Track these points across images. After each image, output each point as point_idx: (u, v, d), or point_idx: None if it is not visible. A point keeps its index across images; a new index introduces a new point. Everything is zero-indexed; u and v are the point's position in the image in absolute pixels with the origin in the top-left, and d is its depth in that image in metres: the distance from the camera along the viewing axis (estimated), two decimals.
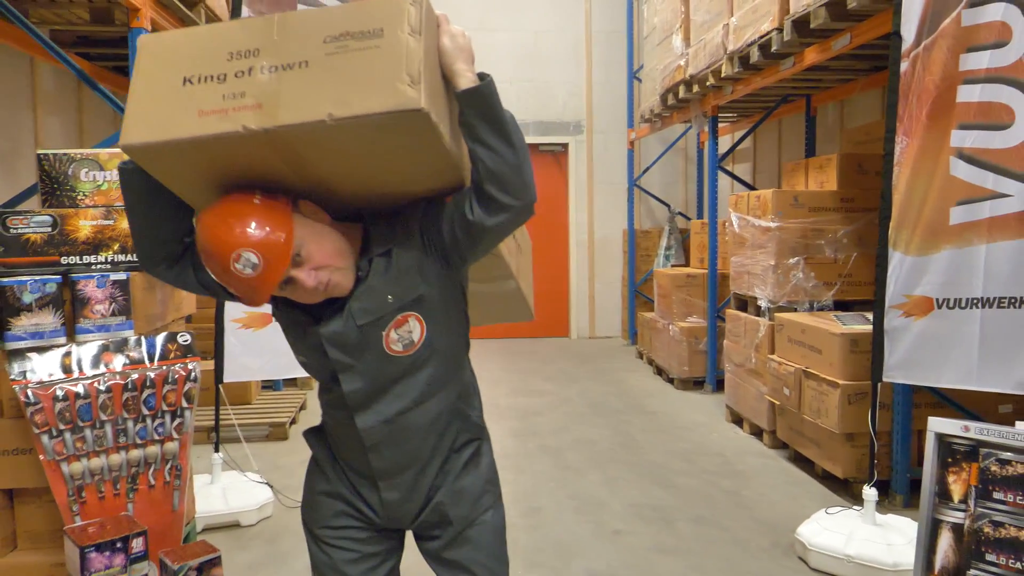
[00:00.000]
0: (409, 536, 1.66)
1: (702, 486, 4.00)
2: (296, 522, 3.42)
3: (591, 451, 4.64)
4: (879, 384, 3.04)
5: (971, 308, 2.76)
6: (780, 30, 4.31)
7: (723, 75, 5.19)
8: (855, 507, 3.25)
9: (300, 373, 4.17)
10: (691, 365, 6.21)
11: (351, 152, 1.29)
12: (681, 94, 6.11)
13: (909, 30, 2.90)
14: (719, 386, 5.90)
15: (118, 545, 2.15)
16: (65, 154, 2.67)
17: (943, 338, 2.83)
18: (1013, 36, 2.61)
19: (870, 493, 3.10)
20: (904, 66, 2.92)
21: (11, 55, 4.12)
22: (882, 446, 3.65)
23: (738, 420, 5.13)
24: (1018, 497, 2.09)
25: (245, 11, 3.57)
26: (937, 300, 2.85)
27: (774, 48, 4.39)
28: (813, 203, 4.52)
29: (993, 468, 2.13)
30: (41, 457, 2.26)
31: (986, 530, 2.12)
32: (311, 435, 1.66)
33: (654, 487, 4.00)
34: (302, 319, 1.47)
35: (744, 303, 5.09)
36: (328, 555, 1.59)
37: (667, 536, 3.38)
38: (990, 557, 2.11)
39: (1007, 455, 2.11)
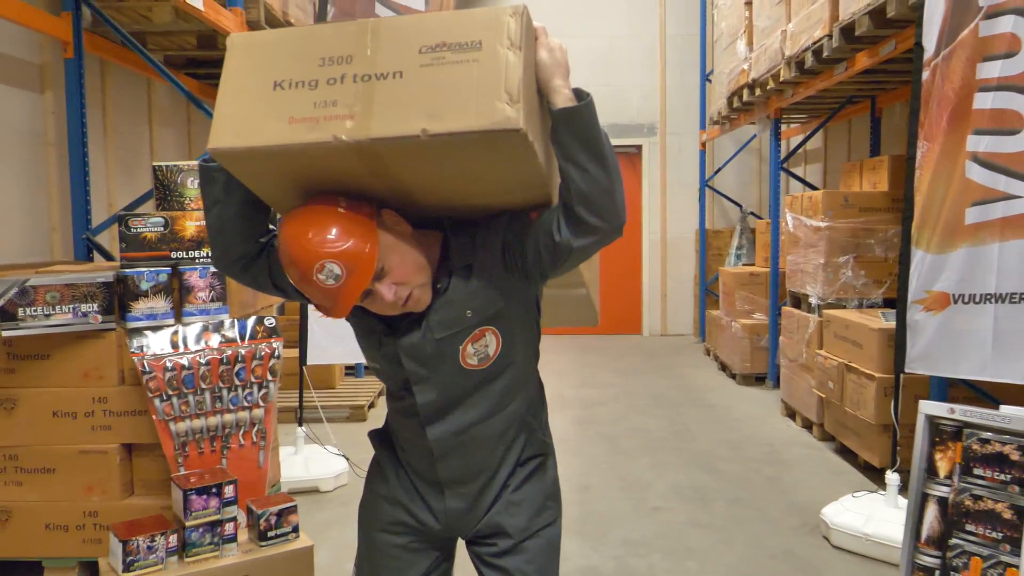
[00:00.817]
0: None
1: (744, 472, 4.22)
2: (360, 482, 3.87)
3: (645, 438, 4.91)
4: (901, 376, 3.22)
5: (985, 303, 2.92)
6: (831, 36, 4.47)
7: (782, 79, 5.35)
8: (881, 492, 3.43)
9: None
10: (752, 361, 6.37)
11: (441, 166, 1.27)
12: (745, 97, 6.28)
13: (930, 41, 3.08)
14: (779, 382, 6.05)
15: (213, 491, 2.60)
16: (175, 165, 3.16)
17: (959, 332, 3.00)
18: (1023, 47, 2.76)
19: (892, 478, 3.28)
20: (925, 75, 3.10)
21: (132, 77, 4.72)
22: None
23: (791, 414, 5.30)
24: (995, 473, 2.28)
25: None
26: (954, 295, 3.02)
27: (826, 54, 4.55)
28: (863, 203, 4.66)
29: (975, 447, 2.33)
30: (153, 417, 2.74)
31: (967, 503, 2.32)
32: (376, 437, 1.66)
33: (698, 471, 4.25)
34: (377, 327, 1.46)
35: (798, 300, 5.25)
36: (377, 560, 1.61)
37: (702, 513, 3.64)
38: (969, 527, 2.31)
39: (987, 435, 2.31)
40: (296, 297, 1.53)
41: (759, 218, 8.63)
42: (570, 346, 8.42)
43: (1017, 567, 2.21)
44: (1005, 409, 2.34)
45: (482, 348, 1.43)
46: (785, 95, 5.72)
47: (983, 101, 2.89)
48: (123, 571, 2.45)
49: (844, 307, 4.66)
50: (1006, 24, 2.80)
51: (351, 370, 6.27)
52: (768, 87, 5.70)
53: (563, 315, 2.11)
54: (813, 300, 4.85)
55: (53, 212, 3.93)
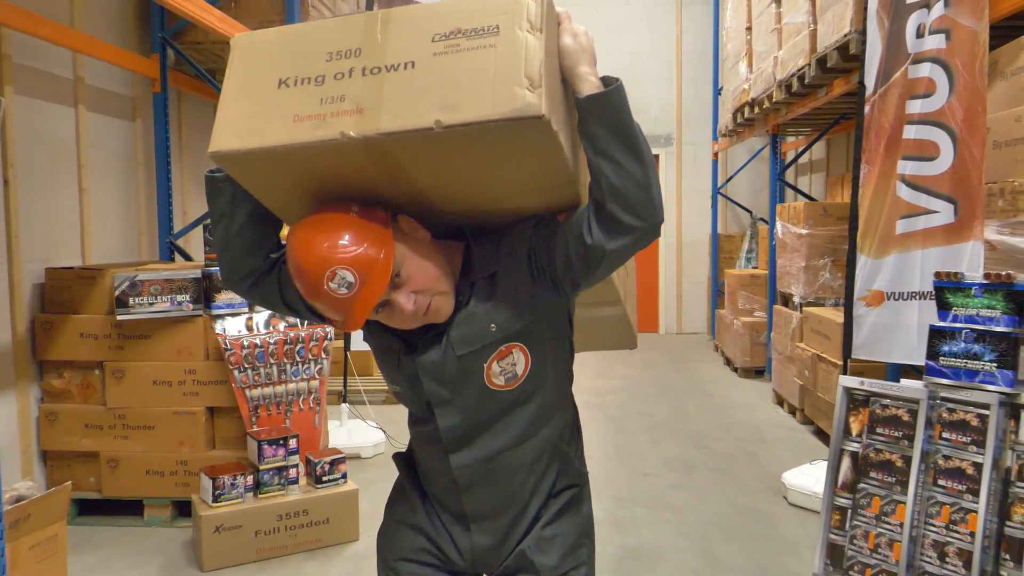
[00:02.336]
0: None
1: (729, 448, 4.84)
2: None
3: (647, 421, 5.54)
4: (848, 361, 3.82)
5: (911, 300, 3.52)
6: (810, 66, 5.06)
7: (775, 100, 5.94)
8: None
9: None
10: (752, 355, 6.95)
11: (458, 163, 1.18)
12: (747, 114, 6.88)
13: (870, 80, 3.68)
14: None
15: (281, 443, 3.31)
16: None
17: (892, 324, 3.59)
18: (937, 88, 3.36)
19: None
20: (867, 109, 3.70)
21: (203, 103, 5.48)
22: None
23: (780, 401, 5.88)
24: (891, 431, 2.89)
25: None
26: (888, 293, 3.61)
27: (807, 80, 5.15)
28: (840, 213, 5.23)
29: (877, 411, 2.94)
30: (232, 385, 3.46)
31: (871, 455, 2.93)
32: (401, 460, 1.55)
33: (689, 447, 4.87)
34: (395, 346, 1.35)
35: (785, 299, 5.83)
36: None
37: (685, 479, 4.26)
38: (872, 474, 2.93)
39: (887, 401, 2.92)
40: (308, 315, 1.41)
41: (767, 224, 9.20)
42: None
43: (905, 503, 2.82)
44: (904, 382, 2.94)
45: (509, 367, 1.31)
46: (781, 113, 6.30)
47: (909, 132, 3.48)
48: (212, 502, 3.16)
49: (822, 305, 5.25)
50: (925, 69, 3.40)
51: None
52: (764, 106, 6.29)
53: (598, 338, 1.95)
54: (796, 299, 5.44)
55: (141, 220, 4.69)
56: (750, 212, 9.05)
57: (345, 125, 1.13)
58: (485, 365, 1.30)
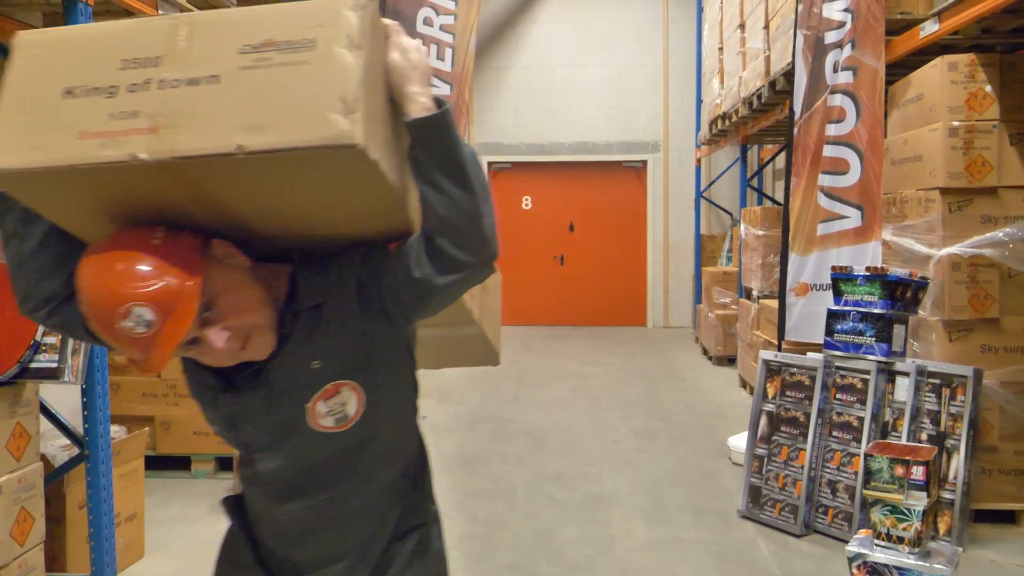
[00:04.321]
0: None
1: (690, 422, 5.55)
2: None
3: (622, 400, 6.25)
4: (782, 343, 4.53)
5: (828, 291, 4.23)
6: (764, 87, 5.77)
7: (741, 115, 6.65)
8: None
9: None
10: (724, 345, 7.66)
11: (269, 189, 1.08)
12: (720, 125, 7.59)
13: (797, 106, 4.39)
14: None
15: None
16: None
17: (815, 311, 4.30)
18: (847, 115, 4.07)
19: None
20: (796, 131, 4.41)
21: None
22: None
23: (744, 384, 6.59)
24: (797, 394, 3.61)
25: None
26: (811, 285, 4.32)
27: (763, 100, 5.85)
28: None
29: (787, 378, 3.66)
30: None
31: (781, 414, 3.65)
32: (231, 505, 1.39)
33: (655, 421, 5.59)
34: (211, 382, 1.23)
35: (748, 293, 6.55)
36: None
37: (647, 444, 4.98)
38: (782, 428, 3.64)
39: (794, 370, 3.64)
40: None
41: None
42: (579, 334, 9.78)
43: (805, 450, 3.53)
44: (808, 354, 3.66)
45: (338, 407, 1.20)
46: (748, 126, 7.01)
47: (827, 151, 4.20)
48: None
49: (776, 297, 5.95)
50: (838, 99, 4.11)
51: None
52: (733, 119, 7.00)
53: (454, 356, 1.88)
54: (755, 292, 6.15)
55: None
56: (730, 214, 9.75)
57: (136, 146, 1.01)
58: (308, 405, 1.19)
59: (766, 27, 5.61)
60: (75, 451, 2.78)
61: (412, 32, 5.55)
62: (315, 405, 1.20)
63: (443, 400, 6.22)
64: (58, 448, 2.81)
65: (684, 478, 4.35)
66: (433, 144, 1.12)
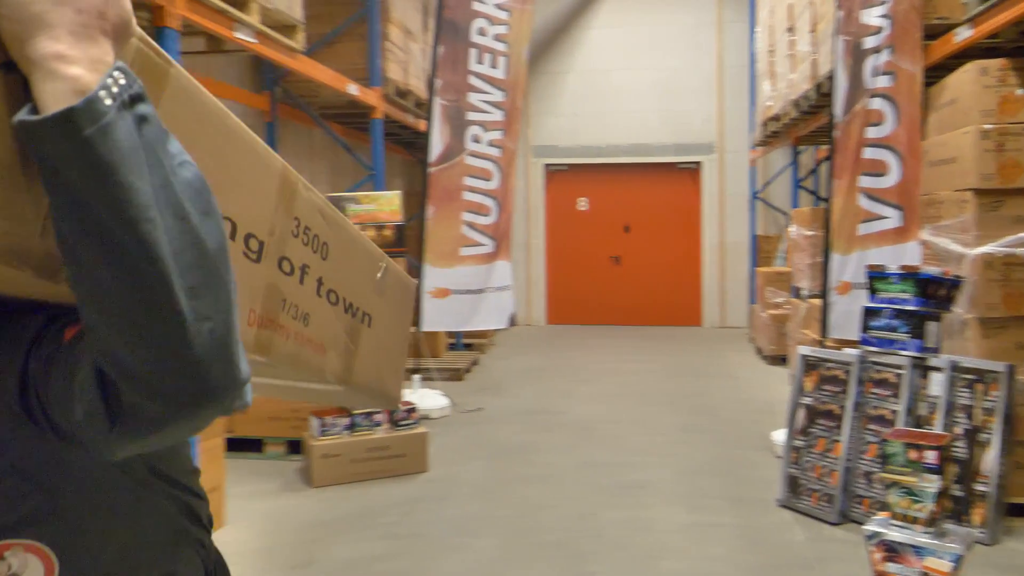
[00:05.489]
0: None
1: (737, 417, 5.69)
2: (458, 416, 5.63)
3: (671, 396, 6.42)
4: (824, 341, 4.66)
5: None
6: (811, 90, 5.88)
7: (791, 117, 6.75)
8: None
9: (474, 326, 6.38)
10: (777, 344, 7.74)
11: None
12: (772, 127, 7.68)
13: (839, 110, 4.51)
14: None
15: None
16: (337, 195, 4.95)
17: (856, 309, 4.42)
18: (886, 118, 4.18)
19: None
20: (837, 133, 4.53)
21: (298, 127, 6.62)
22: None
23: None
24: (833, 388, 3.75)
25: (439, 102, 5.77)
26: (852, 283, 4.44)
27: (811, 102, 5.96)
28: None
29: (823, 372, 3.81)
30: None
31: (818, 407, 3.80)
32: None
33: (702, 416, 5.75)
34: None
35: (798, 292, 6.64)
36: None
37: (692, 437, 5.16)
38: (819, 421, 3.79)
39: (830, 365, 3.79)
40: None
41: None
42: (634, 334, 9.94)
43: (841, 442, 3.68)
44: (845, 350, 3.80)
45: None
46: (798, 128, 7.10)
47: (867, 153, 4.32)
48: (319, 436, 4.23)
49: None
50: (878, 103, 4.23)
51: (453, 344, 8.04)
52: (784, 121, 7.10)
53: (324, 396, 1.40)
54: (804, 291, 6.25)
55: None
56: (785, 215, 9.78)
57: None
58: None
59: (812, 31, 5.72)
60: None
61: (467, 42, 5.85)
62: None
63: (498, 393, 6.50)
64: None
65: (726, 469, 4.52)
66: (70, 167, 0.55)
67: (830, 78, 5.30)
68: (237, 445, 4.75)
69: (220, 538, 3.49)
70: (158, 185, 0.59)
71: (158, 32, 3.13)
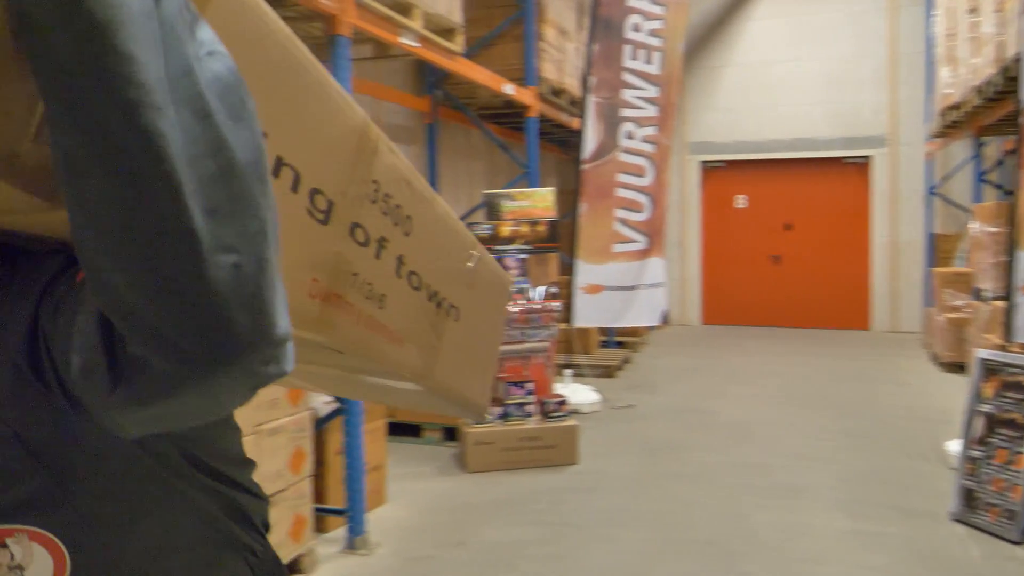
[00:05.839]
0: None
1: (908, 425, 5.34)
2: (609, 412, 5.64)
3: (834, 401, 6.12)
4: (1009, 344, 4.29)
5: None
6: (997, 75, 5.41)
7: (974, 105, 6.25)
8: None
9: (625, 323, 6.38)
10: (954, 350, 7.17)
11: None
12: (952, 116, 7.13)
13: None
14: None
15: (521, 385, 4.46)
16: (493, 192, 5.10)
17: None
18: None
19: None
20: (1022, 120, 4.16)
21: (456, 128, 6.87)
22: None
23: None
24: (1017, 395, 3.46)
25: (592, 99, 5.81)
26: None
27: (996, 88, 5.49)
28: None
29: (1006, 378, 3.51)
30: None
31: (999, 415, 3.51)
32: None
33: (868, 422, 5.44)
34: None
35: (979, 293, 6.13)
36: None
37: (856, 443, 4.90)
38: (1000, 431, 3.50)
39: (1014, 369, 3.49)
40: None
41: None
42: (795, 336, 9.54)
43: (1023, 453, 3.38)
44: None
45: (1, 571, 0.67)
46: (980, 116, 6.55)
47: None
48: (474, 424, 4.38)
49: None
50: None
51: (605, 342, 8.06)
52: (965, 110, 6.57)
53: (396, 398, 1.28)
54: (987, 293, 5.77)
55: None
56: (967, 212, 9.04)
57: None
58: None
59: (999, 10, 5.27)
60: (335, 406, 3.37)
61: (621, 39, 5.84)
62: None
63: (650, 391, 6.45)
64: (321, 403, 3.41)
65: (892, 478, 4.26)
66: (55, 27, 0.44)
67: (1018, 60, 4.87)
68: (397, 430, 5.00)
69: (381, 515, 3.72)
70: (175, 72, 0.47)
71: (331, 40, 3.36)
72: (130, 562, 0.71)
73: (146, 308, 0.48)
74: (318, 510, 3.29)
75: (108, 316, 0.50)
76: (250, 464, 0.85)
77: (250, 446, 2.61)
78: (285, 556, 2.94)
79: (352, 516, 3.32)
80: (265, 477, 2.79)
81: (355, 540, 3.32)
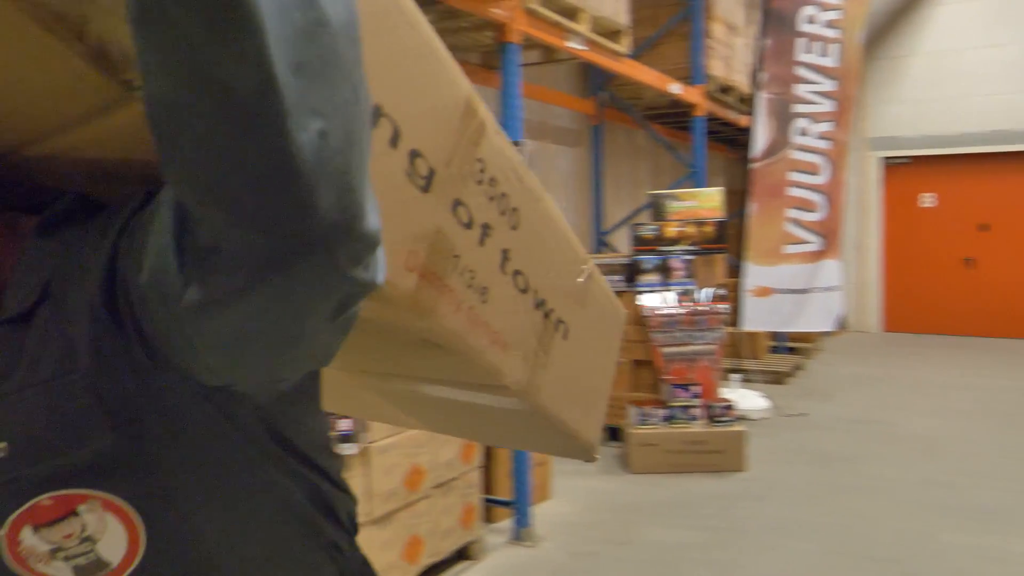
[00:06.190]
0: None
1: None
2: (779, 420, 5.43)
3: None
4: None
5: None
6: None
7: None
8: None
9: (797, 328, 6.14)
10: None
11: None
12: None
13: None
14: None
15: (687, 387, 4.40)
16: (658, 192, 5.06)
17: None
18: None
19: None
20: None
21: (621, 129, 6.87)
22: None
23: None
24: None
25: (763, 95, 5.63)
26: None
27: None
28: None
29: None
30: (652, 344, 4.64)
31: None
32: None
33: None
34: None
35: None
36: None
37: None
38: None
39: None
40: None
41: None
42: (992, 346, 8.74)
43: None
44: None
45: (72, 543, 0.60)
46: None
47: None
48: (638, 425, 4.37)
49: None
50: None
51: (774, 347, 7.76)
52: None
53: (498, 432, 1.16)
54: None
55: (581, 222, 6.18)
56: None
57: None
58: (2, 532, 0.60)
59: None
60: None
61: (794, 32, 5.62)
62: (16, 533, 0.61)
63: (823, 400, 6.14)
64: None
65: None
66: None
67: None
68: None
69: (546, 509, 3.80)
70: None
71: (501, 48, 3.48)
72: (207, 545, 0.64)
73: (220, 174, 0.42)
74: (487, 501, 3.41)
75: (180, 195, 0.45)
76: (339, 457, 0.80)
77: (424, 433, 2.76)
78: (455, 542, 3.08)
79: (518, 508, 3.41)
80: (437, 466, 2.93)
81: (521, 532, 3.41)
